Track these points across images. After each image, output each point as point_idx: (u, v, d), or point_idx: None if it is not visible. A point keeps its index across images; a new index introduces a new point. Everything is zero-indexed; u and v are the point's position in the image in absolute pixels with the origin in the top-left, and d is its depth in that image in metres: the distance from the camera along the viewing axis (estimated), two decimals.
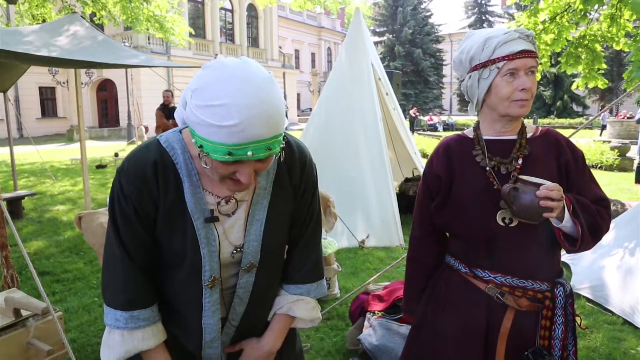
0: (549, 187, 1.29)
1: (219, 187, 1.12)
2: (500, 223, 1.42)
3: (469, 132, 1.57)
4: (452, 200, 1.51)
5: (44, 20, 10.49)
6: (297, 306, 1.30)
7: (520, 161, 1.44)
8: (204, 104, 0.91)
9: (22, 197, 6.96)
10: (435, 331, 1.56)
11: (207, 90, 0.91)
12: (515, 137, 1.48)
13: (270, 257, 1.22)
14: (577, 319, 1.50)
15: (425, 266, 1.65)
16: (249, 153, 0.92)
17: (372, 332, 2.79)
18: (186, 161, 1.10)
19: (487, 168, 1.45)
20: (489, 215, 1.43)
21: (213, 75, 0.93)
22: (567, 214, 1.34)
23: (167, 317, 1.21)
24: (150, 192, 1.08)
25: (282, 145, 1.01)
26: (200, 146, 0.95)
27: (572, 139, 1.63)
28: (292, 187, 1.23)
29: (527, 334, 1.45)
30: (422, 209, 1.63)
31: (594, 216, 1.39)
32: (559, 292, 1.42)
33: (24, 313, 2.28)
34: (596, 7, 5.10)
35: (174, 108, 9.46)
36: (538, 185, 1.31)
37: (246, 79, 0.92)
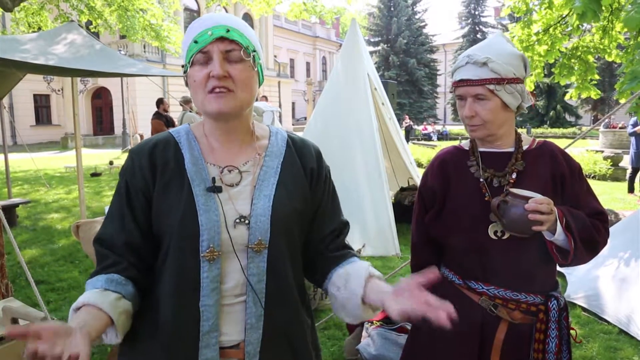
0: (538, 201, 1.29)
1: (221, 156, 1.16)
2: (492, 236, 1.42)
3: (465, 144, 1.59)
4: (446, 212, 1.52)
5: (39, 28, 10.51)
6: (373, 269, 1.18)
7: (514, 175, 1.45)
8: (186, 33, 1.14)
9: (16, 205, 6.92)
10: (431, 342, 1.57)
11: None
12: (511, 149, 1.49)
13: (281, 237, 1.13)
14: (572, 332, 1.50)
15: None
16: (209, 33, 1.07)
17: (370, 342, 2.79)
18: (189, 139, 1.18)
19: (481, 179, 1.47)
20: (481, 227, 1.44)
21: None
22: (559, 227, 1.34)
23: (161, 315, 1.10)
24: (142, 167, 1.12)
25: (253, 53, 1.12)
26: (184, 66, 1.12)
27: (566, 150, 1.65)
28: (309, 171, 1.23)
29: (521, 347, 1.45)
30: (418, 221, 1.65)
31: (589, 229, 1.39)
32: (552, 305, 1.42)
33: (21, 323, 2.27)
34: None
35: (167, 117, 9.37)
36: (527, 199, 1.31)
37: None
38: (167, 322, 1.10)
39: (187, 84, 1.14)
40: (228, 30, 1.07)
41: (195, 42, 1.07)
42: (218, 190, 1.11)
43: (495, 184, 1.45)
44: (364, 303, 1.11)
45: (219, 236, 1.08)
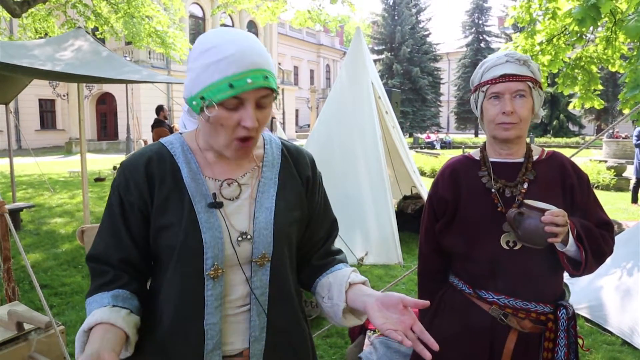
0: (554, 213, 1.30)
1: (219, 170, 1.13)
2: (504, 246, 1.43)
3: (475, 154, 1.59)
4: (457, 222, 1.53)
5: (46, 34, 10.60)
6: (356, 274, 1.18)
7: (525, 185, 1.45)
8: (203, 50, 1.00)
9: (21, 209, 6.94)
10: (439, 351, 1.57)
11: (203, 42, 1.02)
12: (521, 160, 1.50)
13: (283, 249, 1.13)
14: (580, 341, 1.50)
15: (434, 281, 1.67)
16: (249, 80, 0.97)
17: (372, 350, 2.78)
18: (185, 152, 1.13)
19: (493, 190, 1.47)
20: (493, 237, 1.45)
21: (205, 35, 1.05)
22: (571, 239, 1.35)
23: (163, 333, 1.09)
24: (137, 183, 1.08)
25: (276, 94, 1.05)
26: (202, 98, 0.99)
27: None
28: (305, 179, 1.22)
29: (530, 356, 1.45)
30: (427, 229, 1.65)
31: (598, 240, 1.41)
32: (561, 314, 1.43)
33: (26, 327, 2.28)
34: (591, 29, 5.20)
35: (168, 125, 9.42)
36: (543, 211, 1.31)
37: (235, 29, 1.05)
38: (169, 341, 1.08)
39: (198, 114, 1.04)
40: (266, 77, 1.00)
41: (231, 85, 0.96)
42: (219, 206, 1.08)
43: (507, 194, 1.46)
44: (348, 312, 1.13)
45: (223, 253, 1.07)
